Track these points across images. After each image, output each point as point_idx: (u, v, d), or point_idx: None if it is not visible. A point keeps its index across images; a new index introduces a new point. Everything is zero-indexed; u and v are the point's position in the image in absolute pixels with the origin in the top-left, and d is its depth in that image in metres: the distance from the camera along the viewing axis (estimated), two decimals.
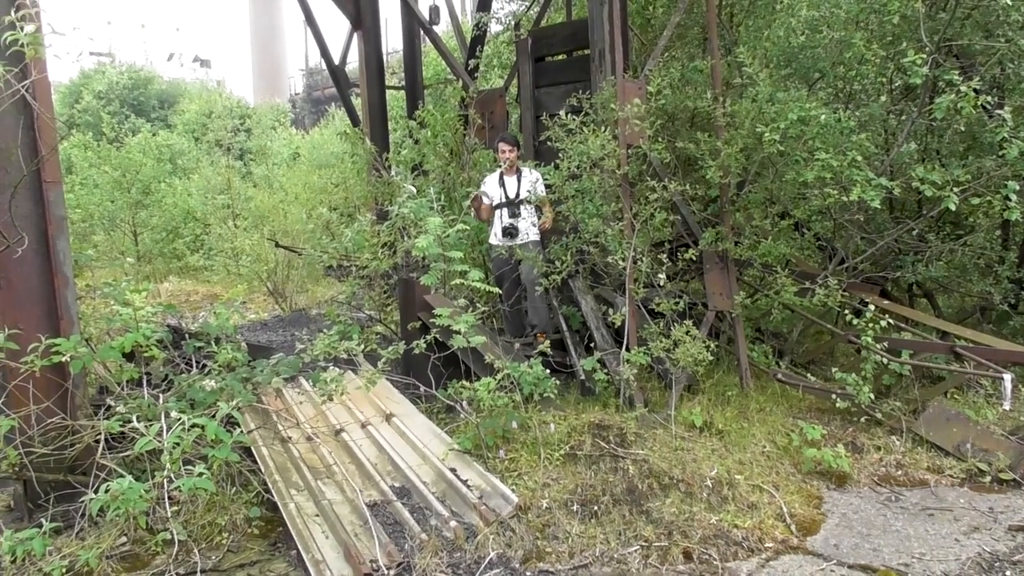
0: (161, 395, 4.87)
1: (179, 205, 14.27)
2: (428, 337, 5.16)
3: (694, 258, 5.98)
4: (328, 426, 5.56)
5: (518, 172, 6.80)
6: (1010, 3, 5.55)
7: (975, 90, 5.38)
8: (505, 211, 6.79)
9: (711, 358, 5.29)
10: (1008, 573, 3.77)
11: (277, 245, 10.68)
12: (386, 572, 3.97)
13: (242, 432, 4.95)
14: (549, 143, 6.51)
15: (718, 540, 4.12)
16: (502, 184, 6.83)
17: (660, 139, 6.14)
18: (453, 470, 4.89)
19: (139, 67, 26.37)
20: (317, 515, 4.50)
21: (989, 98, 5.56)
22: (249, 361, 5.57)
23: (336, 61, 10.49)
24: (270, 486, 4.79)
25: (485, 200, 6.90)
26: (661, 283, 5.65)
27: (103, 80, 24.07)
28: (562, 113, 6.35)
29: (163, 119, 23.69)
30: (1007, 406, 5.25)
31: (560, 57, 8.46)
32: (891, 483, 4.89)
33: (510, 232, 6.71)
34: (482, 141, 8.17)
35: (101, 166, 13.83)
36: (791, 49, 7.27)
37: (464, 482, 4.76)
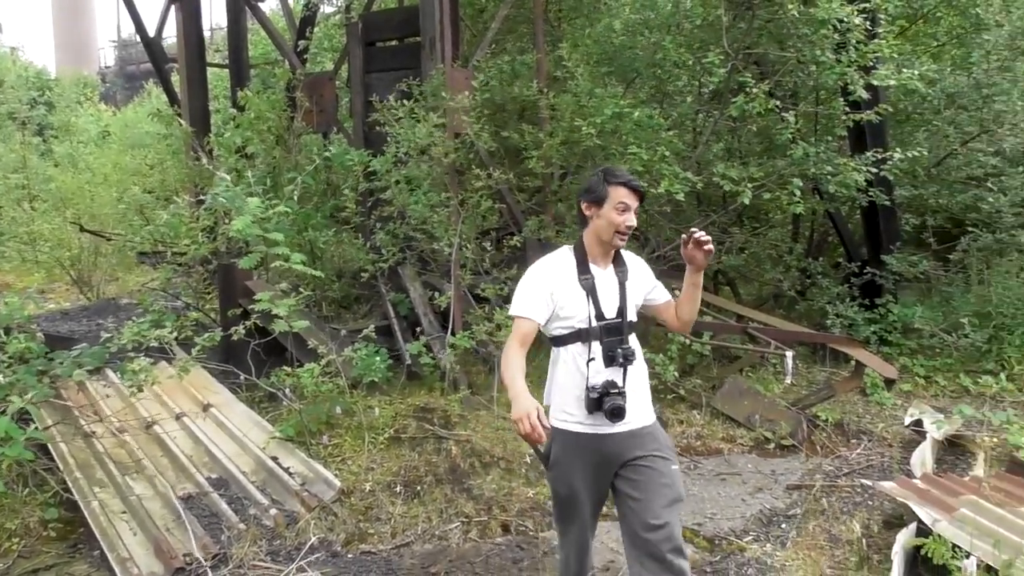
0: None
1: None
2: (248, 323, 5.00)
3: (518, 245, 6.19)
4: (138, 419, 5.26)
5: (615, 258, 2.98)
6: (798, 15, 6.13)
7: (770, 94, 5.94)
8: (598, 347, 2.84)
9: None
10: (783, 525, 4.25)
11: (82, 229, 9.88)
12: (201, 565, 3.85)
13: (37, 428, 4.58)
14: (379, 128, 6.47)
15: (534, 512, 4.32)
16: (588, 286, 2.88)
17: (487, 129, 6.29)
18: (275, 458, 4.80)
19: None
20: (124, 512, 4.27)
21: (778, 102, 6.15)
22: (46, 352, 5.14)
23: (152, 34, 9.82)
24: (70, 484, 4.47)
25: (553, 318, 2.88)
26: (486, 269, 5.81)
27: None
28: (392, 99, 6.33)
29: None
30: (789, 380, 5.87)
31: (392, 43, 8.41)
32: (691, 453, 5.33)
33: (617, 409, 2.76)
34: (309, 125, 7.98)
35: None
36: (611, 48, 7.67)
37: (286, 470, 4.69)
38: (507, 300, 5.94)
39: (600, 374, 2.80)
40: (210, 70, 10.45)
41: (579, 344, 2.83)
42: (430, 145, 5.92)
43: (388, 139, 6.24)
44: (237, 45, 9.06)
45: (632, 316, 2.92)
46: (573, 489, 2.90)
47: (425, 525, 4.23)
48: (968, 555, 3.29)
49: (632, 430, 2.85)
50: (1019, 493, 4.11)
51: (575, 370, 2.83)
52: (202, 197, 6.12)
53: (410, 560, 3.95)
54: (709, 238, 2.75)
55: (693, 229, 2.77)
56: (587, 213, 2.87)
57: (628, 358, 2.82)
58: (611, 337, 2.84)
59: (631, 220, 2.83)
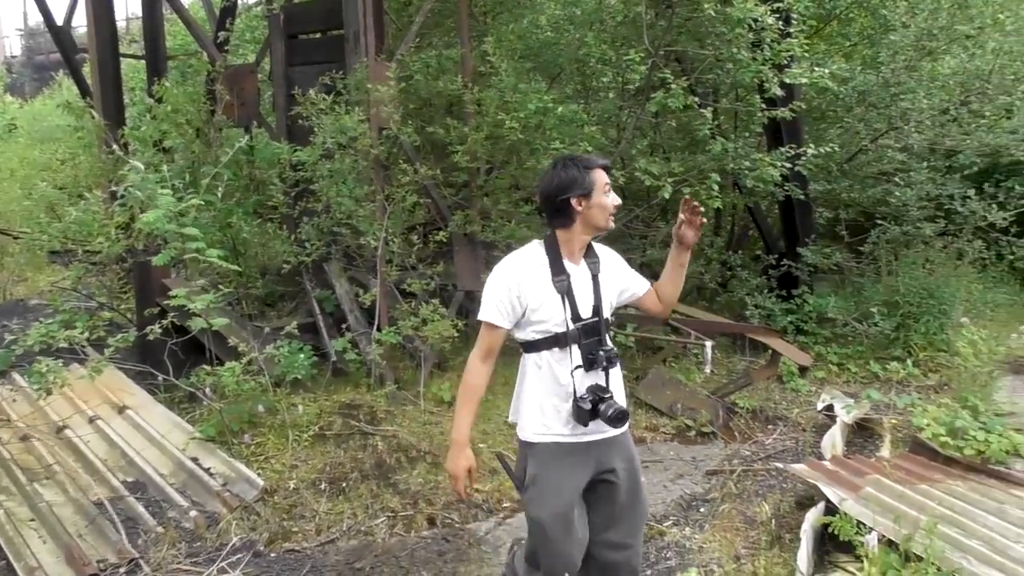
0: None
1: None
2: (164, 321, 4.86)
3: (445, 240, 6.19)
4: (48, 423, 5.06)
5: (588, 252, 2.81)
6: (714, 14, 6.29)
7: (692, 91, 6.08)
8: (577, 351, 2.68)
9: (455, 335, 5.52)
10: (702, 509, 4.38)
11: None
12: (116, 570, 3.74)
13: None
14: (302, 121, 6.36)
15: (460, 505, 4.34)
16: (563, 287, 2.68)
17: (412, 123, 6.26)
18: (195, 459, 4.70)
19: None
20: (32, 520, 4.11)
21: (697, 98, 6.30)
22: None
23: (60, 22, 9.43)
24: None
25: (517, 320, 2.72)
26: (412, 264, 5.79)
27: None
28: (315, 92, 6.23)
29: None
30: (709, 369, 6.04)
31: (316, 35, 8.27)
32: None
33: (620, 413, 2.64)
34: (230, 118, 7.78)
35: None
36: (536, 44, 7.73)
37: (207, 470, 4.60)
38: (433, 295, 5.96)
39: (584, 380, 2.64)
40: (126, 61, 10.11)
41: (556, 350, 2.66)
42: (355, 138, 5.86)
43: (314, 131, 6.14)
44: (153, 35, 8.78)
45: (608, 313, 2.74)
46: (564, 500, 2.65)
47: (350, 521, 4.21)
48: (871, 531, 3.46)
49: (614, 436, 2.71)
50: (919, 471, 4.35)
51: (552, 379, 2.66)
52: (114, 188, 5.90)
53: (335, 557, 3.92)
54: (698, 204, 2.70)
55: (687, 197, 2.73)
56: (578, 208, 2.64)
57: (612, 360, 2.66)
58: (589, 339, 2.66)
59: (617, 199, 2.73)
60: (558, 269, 2.67)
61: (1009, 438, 4.95)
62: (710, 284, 8.10)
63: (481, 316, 2.69)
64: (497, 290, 2.66)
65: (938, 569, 3.20)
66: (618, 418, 2.60)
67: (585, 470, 2.70)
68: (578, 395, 2.61)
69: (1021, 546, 3.52)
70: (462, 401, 2.72)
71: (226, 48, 9.24)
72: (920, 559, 3.26)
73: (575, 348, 2.65)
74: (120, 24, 17.44)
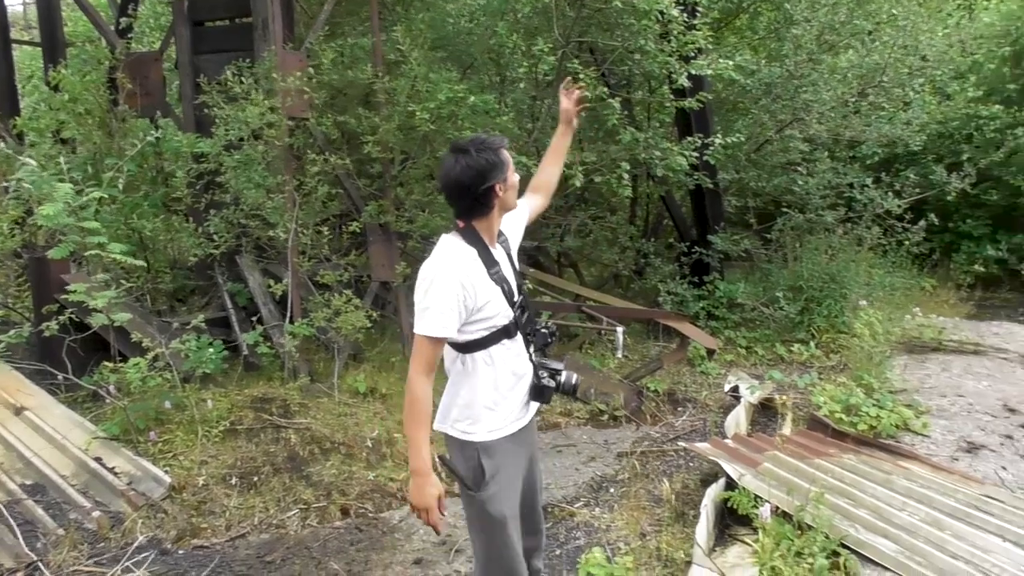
0: None
1: None
2: (62, 318, 4.68)
3: (358, 231, 6.14)
4: None
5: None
6: (621, 5, 6.39)
7: (606, 83, 6.15)
8: (520, 339, 2.63)
9: (369, 325, 5.49)
10: (612, 490, 4.51)
11: None
12: (13, 575, 3.61)
13: None
14: (208, 111, 6.20)
15: (374, 494, 4.35)
16: (499, 278, 2.56)
17: (327, 114, 6.17)
18: (98, 459, 4.56)
19: None
20: None
21: (607, 88, 6.41)
22: None
23: None
24: None
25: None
26: (326, 255, 5.72)
27: None
28: (231, 74, 6.08)
29: None
30: (620, 355, 6.18)
31: (224, 23, 8.05)
32: None
33: (578, 383, 2.72)
34: (133, 108, 7.51)
35: None
36: (448, 33, 7.71)
37: (111, 470, 4.47)
38: (348, 286, 5.90)
39: (531, 360, 2.60)
40: (21, 48, 9.63)
41: (506, 341, 2.53)
42: (263, 128, 5.75)
43: (217, 121, 6.00)
44: (50, 20, 8.39)
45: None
46: (518, 496, 2.65)
47: (262, 515, 4.16)
48: (766, 503, 3.63)
49: (532, 419, 2.73)
50: (815, 446, 4.57)
51: (506, 372, 2.54)
52: (6, 183, 5.64)
53: (245, 551, 3.88)
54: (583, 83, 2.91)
55: (570, 78, 2.86)
56: (500, 193, 2.48)
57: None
58: (523, 318, 2.58)
59: (517, 175, 2.59)
60: (490, 260, 2.52)
61: (899, 413, 5.26)
62: (625, 272, 8.28)
63: (428, 332, 2.41)
64: (443, 300, 2.40)
65: (826, 537, 3.38)
66: (577, 387, 2.61)
67: (524, 457, 2.70)
68: (539, 374, 2.59)
69: (905, 514, 3.75)
70: (414, 425, 2.47)
71: (129, 35, 8.90)
72: (811, 528, 3.44)
73: (519, 334, 2.57)
74: (16, 9, 16.57)
